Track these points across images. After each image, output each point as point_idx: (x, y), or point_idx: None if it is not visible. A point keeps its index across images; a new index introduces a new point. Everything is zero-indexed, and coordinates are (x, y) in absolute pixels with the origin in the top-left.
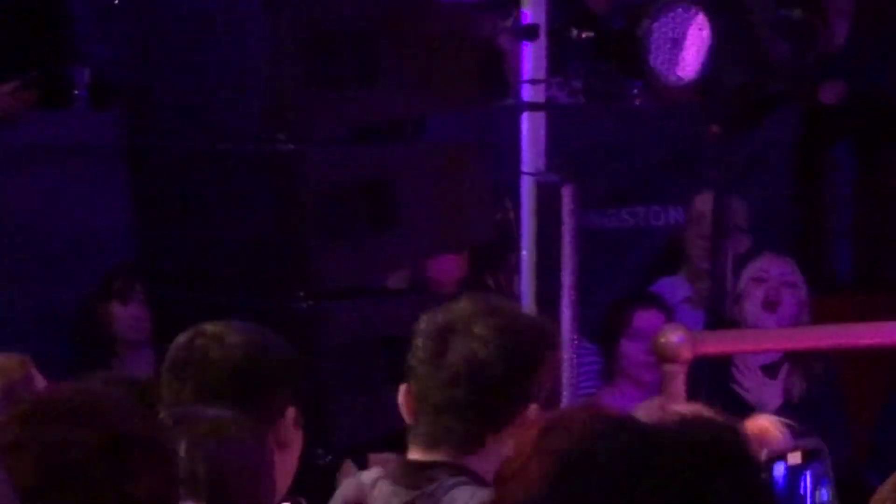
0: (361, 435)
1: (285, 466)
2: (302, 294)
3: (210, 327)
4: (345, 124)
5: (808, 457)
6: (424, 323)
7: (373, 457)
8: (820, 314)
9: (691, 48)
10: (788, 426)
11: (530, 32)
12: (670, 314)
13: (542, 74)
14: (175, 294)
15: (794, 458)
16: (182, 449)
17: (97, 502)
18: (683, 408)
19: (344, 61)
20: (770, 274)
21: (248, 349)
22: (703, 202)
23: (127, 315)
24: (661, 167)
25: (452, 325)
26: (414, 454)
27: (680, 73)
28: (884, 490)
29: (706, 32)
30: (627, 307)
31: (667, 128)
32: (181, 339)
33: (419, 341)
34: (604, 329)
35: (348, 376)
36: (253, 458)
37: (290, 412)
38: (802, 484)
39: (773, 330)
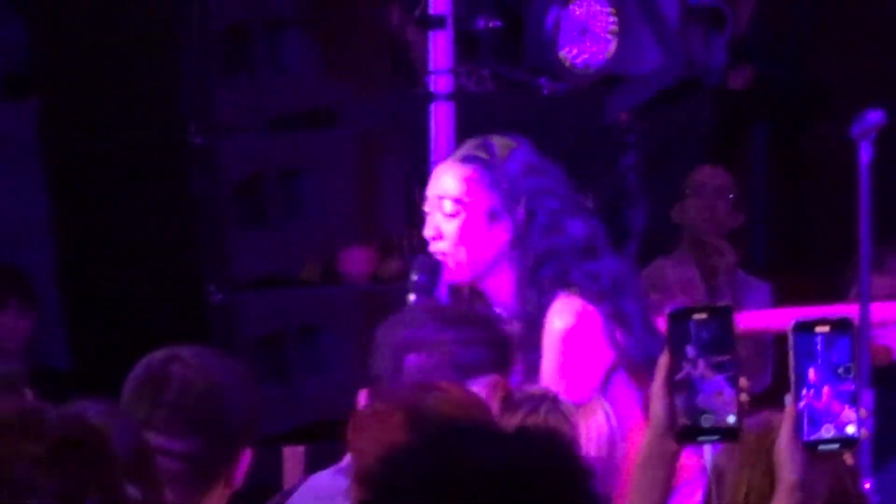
0: (276, 426)
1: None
2: (214, 287)
3: (186, 352)
4: (256, 113)
5: (716, 313)
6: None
7: (287, 449)
8: None
9: (600, 36)
10: None
11: (437, 22)
12: None
13: (449, 64)
14: (89, 286)
15: (701, 316)
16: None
17: None
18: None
19: (254, 51)
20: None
21: (227, 384)
22: (703, 174)
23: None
24: (571, 154)
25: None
26: None
27: (588, 60)
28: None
29: (614, 20)
30: None
31: (576, 115)
32: (157, 359)
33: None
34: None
35: (262, 367)
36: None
37: (247, 455)
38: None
39: None
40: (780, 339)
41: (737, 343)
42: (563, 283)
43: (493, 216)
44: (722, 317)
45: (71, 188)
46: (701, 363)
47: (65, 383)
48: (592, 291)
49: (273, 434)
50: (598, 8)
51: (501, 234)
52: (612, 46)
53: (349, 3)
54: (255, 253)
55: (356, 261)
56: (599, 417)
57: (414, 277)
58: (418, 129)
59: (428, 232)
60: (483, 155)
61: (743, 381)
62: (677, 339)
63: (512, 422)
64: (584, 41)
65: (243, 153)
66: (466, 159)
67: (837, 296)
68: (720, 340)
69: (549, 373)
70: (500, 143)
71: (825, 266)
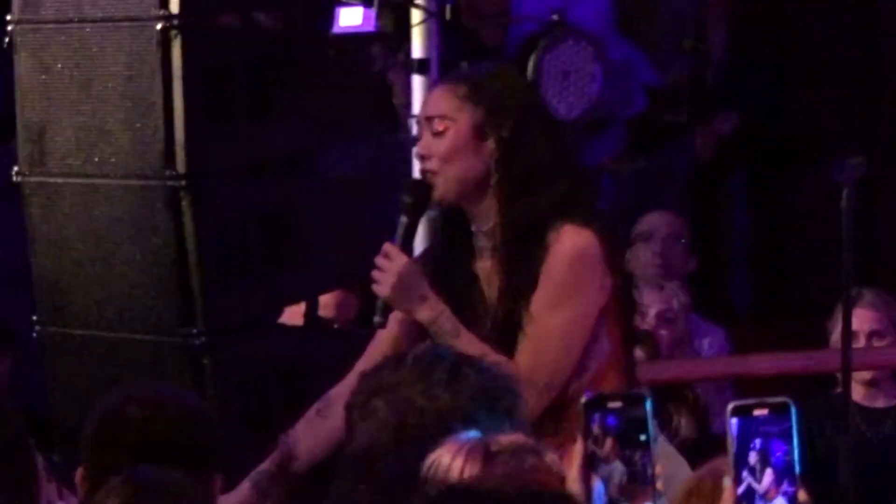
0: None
1: None
2: (195, 330)
3: (142, 393)
4: (237, 158)
5: (631, 402)
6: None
7: None
8: None
9: (582, 80)
10: None
11: (421, 66)
12: None
13: None
14: (69, 330)
15: (616, 404)
16: None
17: None
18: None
19: (235, 96)
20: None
21: (186, 419)
22: (653, 220)
23: None
24: None
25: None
26: None
27: (571, 104)
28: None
29: (597, 64)
30: None
31: None
32: (112, 402)
33: None
34: None
35: (245, 412)
36: None
37: (217, 481)
38: (608, 421)
39: (666, 362)
40: (739, 382)
41: (652, 430)
42: (558, 205)
43: (479, 132)
44: (636, 404)
45: (49, 232)
46: (616, 450)
47: (45, 426)
48: (588, 217)
49: None
50: (581, 52)
51: (488, 151)
52: (595, 90)
53: (330, 47)
54: (237, 297)
55: (339, 305)
56: None
57: (405, 199)
58: (401, 173)
59: (418, 151)
60: (471, 74)
61: (658, 468)
62: (593, 425)
63: (494, 472)
64: (567, 85)
65: (225, 197)
66: (454, 79)
67: (817, 341)
68: (635, 428)
69: (553, 289)
70: (488, 64)
71: (805, 311)
